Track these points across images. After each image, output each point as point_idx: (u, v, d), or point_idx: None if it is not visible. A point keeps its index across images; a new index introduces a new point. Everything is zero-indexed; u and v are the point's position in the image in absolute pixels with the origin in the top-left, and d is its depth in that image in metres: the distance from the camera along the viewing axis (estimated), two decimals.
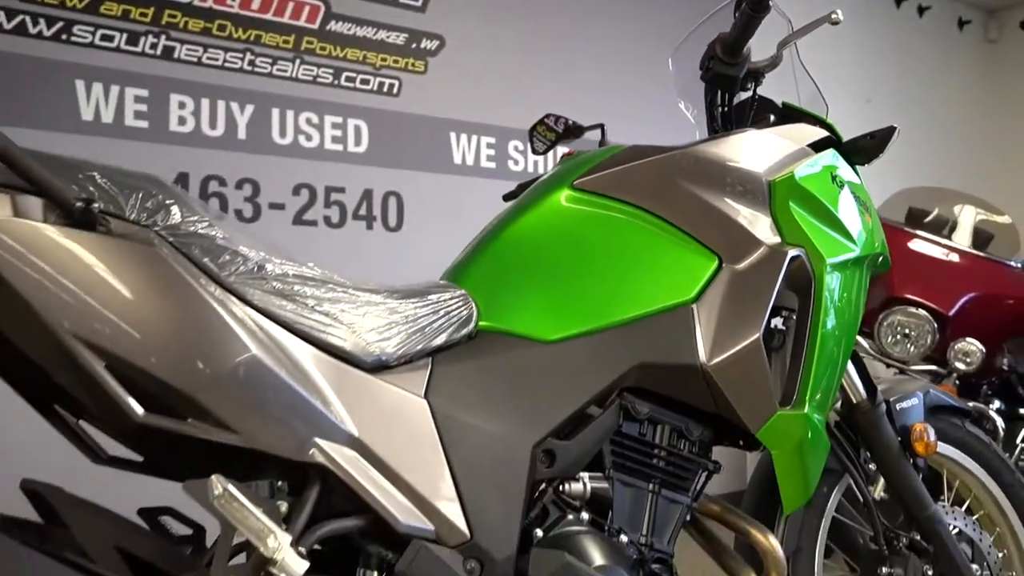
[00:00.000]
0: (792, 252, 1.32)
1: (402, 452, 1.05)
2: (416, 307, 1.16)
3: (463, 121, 3.57)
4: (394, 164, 3.38)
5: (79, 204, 0.90)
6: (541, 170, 3.80)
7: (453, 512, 1.05)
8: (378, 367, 1.09)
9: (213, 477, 0.91)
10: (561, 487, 1.19)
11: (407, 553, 1.00)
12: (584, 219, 1.32)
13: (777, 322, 1.34)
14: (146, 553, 0.95)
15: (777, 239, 1.33)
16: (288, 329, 1.03)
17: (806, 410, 1.30)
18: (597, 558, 1.13)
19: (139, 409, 0.90)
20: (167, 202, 1.00)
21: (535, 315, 1.23)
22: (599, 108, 2.41)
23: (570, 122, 1.84)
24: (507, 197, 1.76)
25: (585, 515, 1.19)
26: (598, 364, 1.22)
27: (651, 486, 1.26)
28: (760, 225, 1.34)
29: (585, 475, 1.23)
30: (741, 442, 1.37)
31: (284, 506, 0.98)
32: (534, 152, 1.90)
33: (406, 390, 1.09)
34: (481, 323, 1.21)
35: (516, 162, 3.74)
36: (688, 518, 1.31)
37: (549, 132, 1.85)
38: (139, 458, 1.16)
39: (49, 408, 1.10)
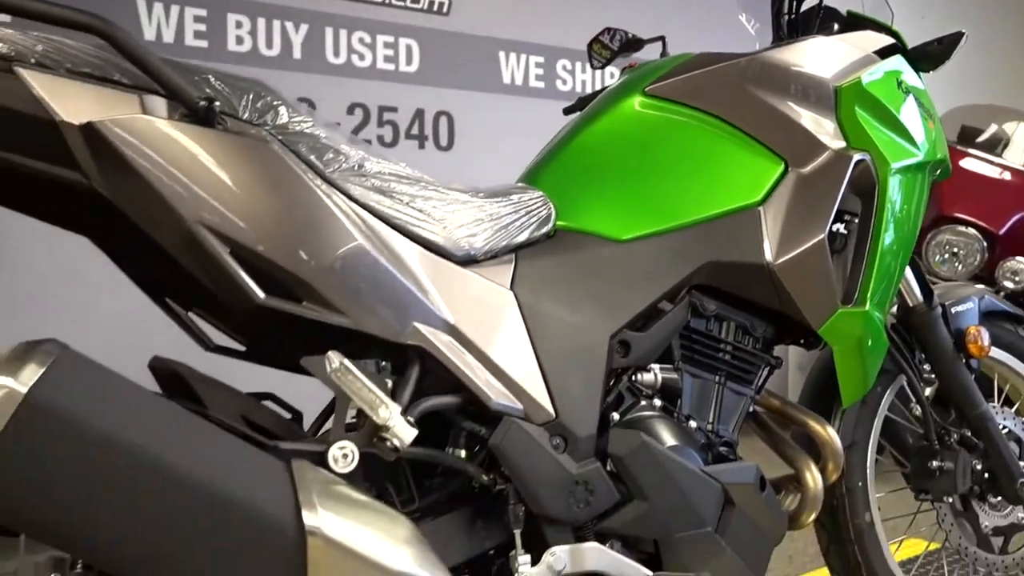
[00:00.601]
0: (857, 156, 1.36)
1: (492, 338, 1.13)
2: (500, 206, 1.23)
3: (512, 40, 3.58)
4: (445, 84, 3.41)
5: (202, 103, 0.97)
6: (588, 89, 3.81)
7: (539, 393, 1.13)
8: (467, 260, 1.16)
9: (330, 352, 1.00)
10: (634, 376, 1.27)
11: (499, 428, 1.09)
12: (656, 124, 1.37)
13: (838, 227, 1.38)
14: (268, 424, 1.04)
15: (842, 143, 1.37)
16: (386, 223, 1.10)
17: (867, 307, 1.36)
18: (670, 439, 1.22)
19: (260, 292, 0.99)
20: (275, 103, 1.07)
21: (610, 215, 1.29)
22: (654, 25, 2.42)
23: (629, 35, 1.87)
24: (568, 111, 1.81)
25: (657, 402, 1.27)
26: (669, 262, 1.28)
27: (717, 378, 1.34)
28: (826, 130, 1.38)
29: (656, 366, 1.30)
30: (802, 340, 1.43)
31: (389, 383, 1.07)
32: (592, 67, 1.94)
33: (493, 281, 1.17)
34: (559, 223, 1.28)
35: (564, 81, 3.75)
36: (750, 410, 1.39)
37: (604, 50, 1.88)
38: (242, 347, 1.26)
39: (161, 299, 1.19)
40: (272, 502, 0.87)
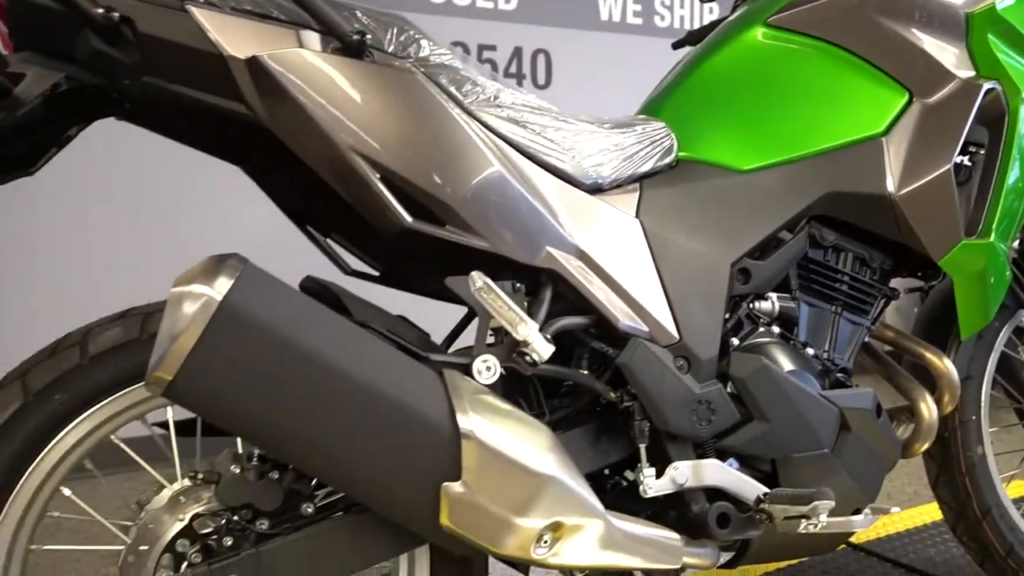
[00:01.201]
0: (987, 85, 1.34)
1: (619, 264, 1.17)
2: (625, 136, 1.26)
3: None
4: (543, 21, 3.41)
5: (355, 37, 1.03)
6: (687, 26, 3.75)
7: (664, 317, 1.18)
8: (595, 189, 1.21)
9: (475, 273, 1.06)
10: (753, 304, 1.31)
11: (627, 348, 1.14)
12: (778, 55, 1.37)
13: (963, 158, 1.37)
14: (410, 340, 1.12)
15: (971, 72, 1.35)
16: (520, 151, 1.15)
17: (991, 239, 1.35)
18: (788, 364, 1.25)
19: (407, 216, 1.05)
20: (417, 37, 1.12)
21: (732, 146, 1.32)
22: None
23: None
24: (676, 45, 1.81)
25: (776, 329, 1.30)
26: (789, 192, 1.30)
27: (833, 308, 1.36)
28: (954, 58, 1.36)
29: (773, 295, 1.33)
30: (920, 272, 1.44)
31: (524, 303, 1.13)
32: (701, 0, 1.92)
33: (620, 209, 1.21)
34: (680, 153, 1.31)
35: (662, 18, 3.70)
36: (865, 340, 1.41)
37: None
38: (376, 272, 1.34)
39: (303, 226, 1.28)
40: (430, 405, 0.95)
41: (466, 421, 0.95)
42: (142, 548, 1.01)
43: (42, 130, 1.11)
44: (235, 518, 1.01)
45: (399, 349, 1.01)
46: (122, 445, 1.12)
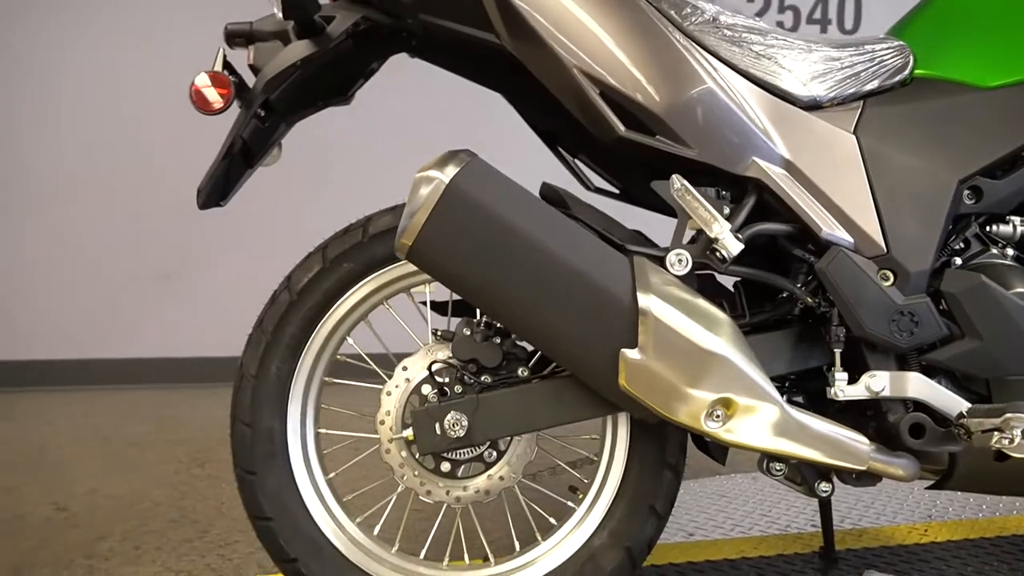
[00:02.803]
0: None
1: (828, 176, 1.22)
2: (852, 55, 1.29)
3: None
4: None
5: None
6: None
7: (872, 229, 1.20)
8: (812, 106, 1.25)
9: (674, 175, 1.19)
10: (990, 227, 1.27)
11: (827, 255, 1.19)
12: None
13: None
14: (615, 234, 1.26)
15: None
16: (736, 70, 1.23)
17: None
18: (1017, 286, 1.21)
19: (620, 125, 1.20)
20: None
21: (977, 62, 1.27)
22: None
23: None
24: None
25: (1011, 251, 1.25)
26: None
27: None
28: None
29: (1017, 219, 1.28)
30: None
31: (727, 209, 1.23)
32: None
33: (836, 125, 1.24)
34: (917, 71, 1.29)
35: None
36: None
37: None
38: (616, 190, 1.49)
39: (554, 147, 1.47)
40: (615, 283, 1.11)
41: (645, 298, 1.09)
42: (396, 387, 1.29)
43: (351, 64, 1.41)
44: (464, 370, 1.24)
45: (600, 238, 1.17)
46: (394, 314, 1.40)
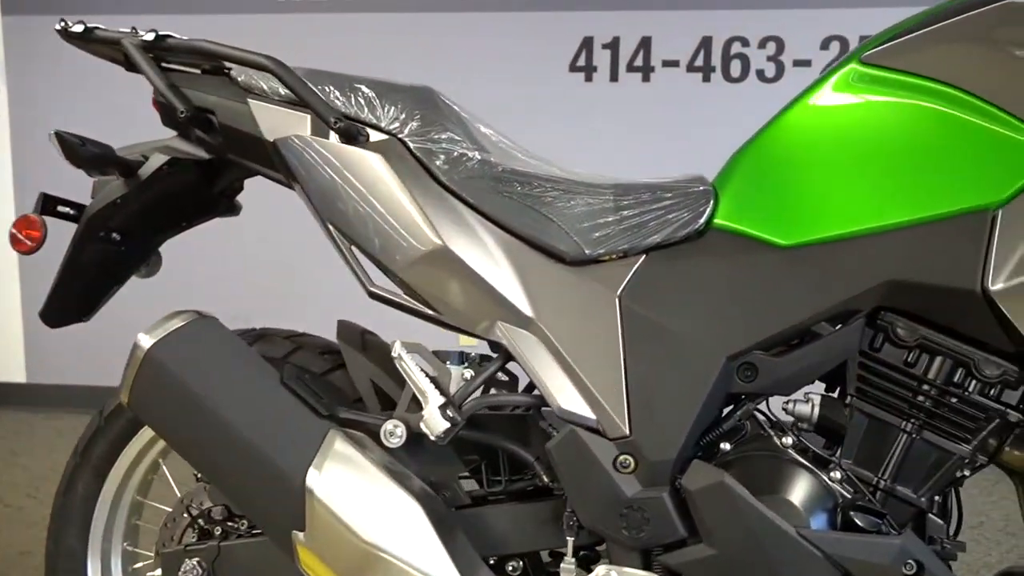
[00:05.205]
0: None
1: (577, 343, 1.11)
2: (643, 202, 1.16)
3: None
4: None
5: (339, 124, 1.16)
6: None
7: (616, 407, 1.08)
8: (581, 261, 1.15)
9: (397, 341, 1.14)
10: (788, 404, 1.11)
11: (559, 433, 1.09)
12: (868, 101, 1.10)
13: None
14: (333, 397, 1.21)
15: None
16: (495, 223, 1.16)
17: None
18: (783, 487, 1.05)
19: (368, 283, 1.17)
20: (416, 112, 1.20)
21: (778, 215, 1.11)
22: None
23: None
24: None
25: (788, 440, 1.08)
26: (837, 276, 1.06)
27: (907, 425, 1.07)
28: None
29: (817, 397, 1.11)
30: None
31: (468, 373, 1.16)
32: None
33: (599, 285, 1.13)
34: (716, 220, 1.14)
35: None
36: (963, 474, 1.07)
37: None
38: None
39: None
40: (292, 460, 1.08)
41: (315, 477, 1.06)
42: (173, 520, 1.34)
43: (209, 190, 1.46)
44: (207, 517, 1.27)
45: (306, 405, 1.14)
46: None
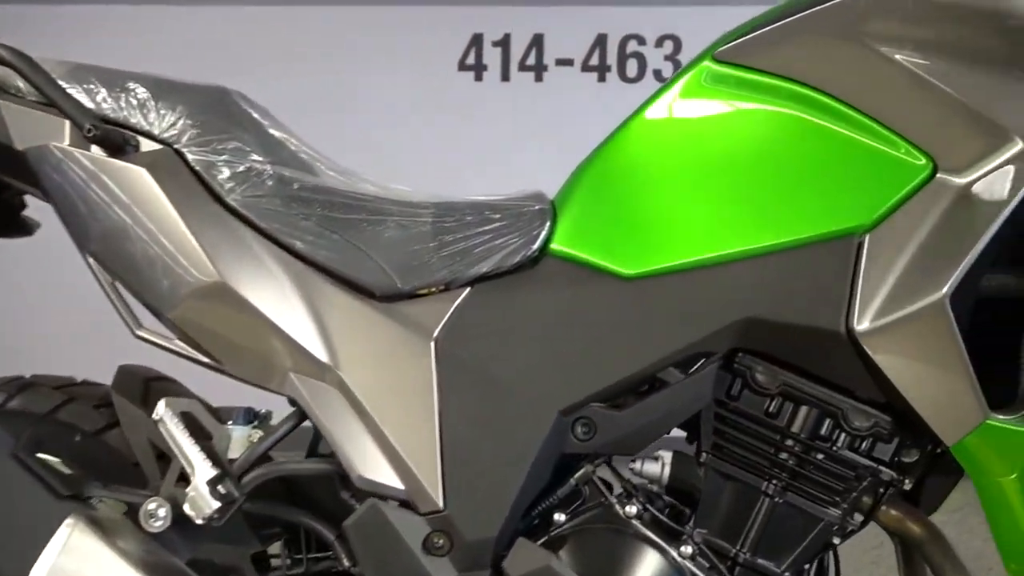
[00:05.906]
0: None
1: (384, 396, 0.93)
2: (463, 225, 0.98)
3: None
4: None
5: (91, 131, 0.94)
6: None
7: (428, 476, 0.90)
8: (393, 296, 0.96)
9: (163, 400, 0.93)
10: (636, 463, 0.95)
11: (359, 510, 0.90)
12: (720, 109, 0.94)
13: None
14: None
15: None
16: (289, 251, 0.96)
17: None
18: (618, 569, 0.88)
19: (134, 327, 0.96)
20: (199, 117, 0.99)
21: (621, 240, 0.94)
22: None
23: None
24: None
25: (632, 508, 0.91)
26: (687, 313, 0.89)
27: (768, 487, 0.91)
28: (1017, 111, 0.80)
29: (667, 455, 0.95)
30: (940, 449, 0.89)
31: (257, 434, 0.96)
32: None
33: (412, 325, 0.95)
34: (552, 245, 0.96)
35: None
36: (833, 541, 0.92)
37: None
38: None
39: None
40: (11, 556, 0.87)
41: (38, 572, 0.85)
42: None
43: None
44: None
45: (41, 484, 0.92)
46: None
